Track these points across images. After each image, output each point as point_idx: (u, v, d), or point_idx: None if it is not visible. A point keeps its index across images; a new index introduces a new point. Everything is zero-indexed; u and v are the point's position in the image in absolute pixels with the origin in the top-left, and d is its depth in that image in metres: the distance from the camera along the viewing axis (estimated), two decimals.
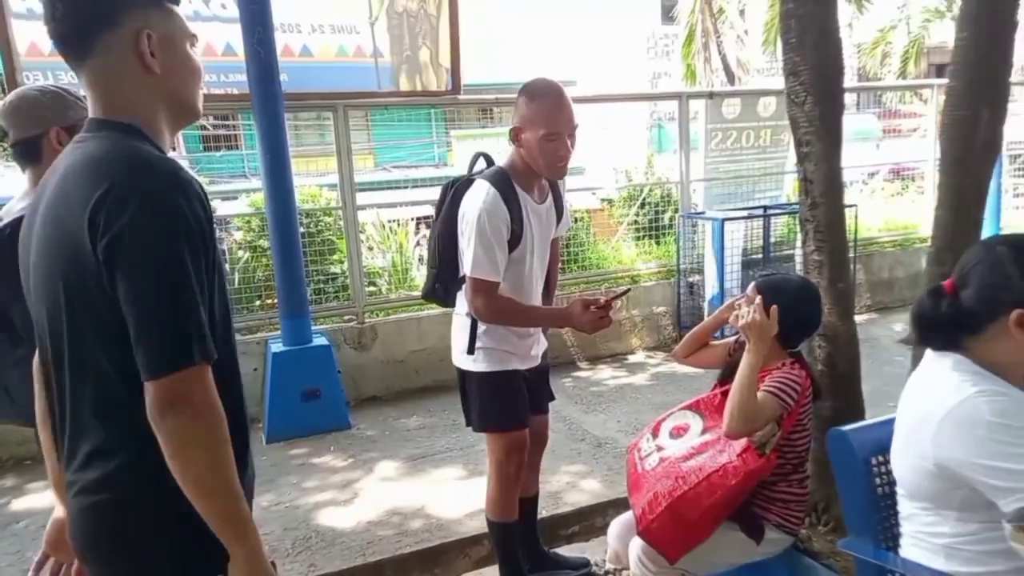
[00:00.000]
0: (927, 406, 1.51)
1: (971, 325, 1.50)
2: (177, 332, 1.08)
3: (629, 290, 2.72)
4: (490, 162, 2.44)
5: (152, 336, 1.07)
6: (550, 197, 2.42)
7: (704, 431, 2.14)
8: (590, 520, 3.20)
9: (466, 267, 2.24)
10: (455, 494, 3.37)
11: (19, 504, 3.50)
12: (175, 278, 1.08)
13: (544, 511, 3.07)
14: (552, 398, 2.67)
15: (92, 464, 1.16)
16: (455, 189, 2.37)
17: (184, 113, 1.28)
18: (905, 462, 1.57)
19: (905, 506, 1.62)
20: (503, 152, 2.39)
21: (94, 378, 1.15)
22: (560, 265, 5.40)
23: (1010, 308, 1.45)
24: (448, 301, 2.46)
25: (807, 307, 2.17)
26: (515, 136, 2.25)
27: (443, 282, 2.42)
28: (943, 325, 1.54)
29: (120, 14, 1.16)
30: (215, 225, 1.19)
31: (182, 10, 1.27)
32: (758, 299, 2.06)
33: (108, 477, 1.15)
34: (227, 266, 5.05)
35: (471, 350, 2.37)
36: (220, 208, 5.73)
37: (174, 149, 1.32)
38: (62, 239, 1.12)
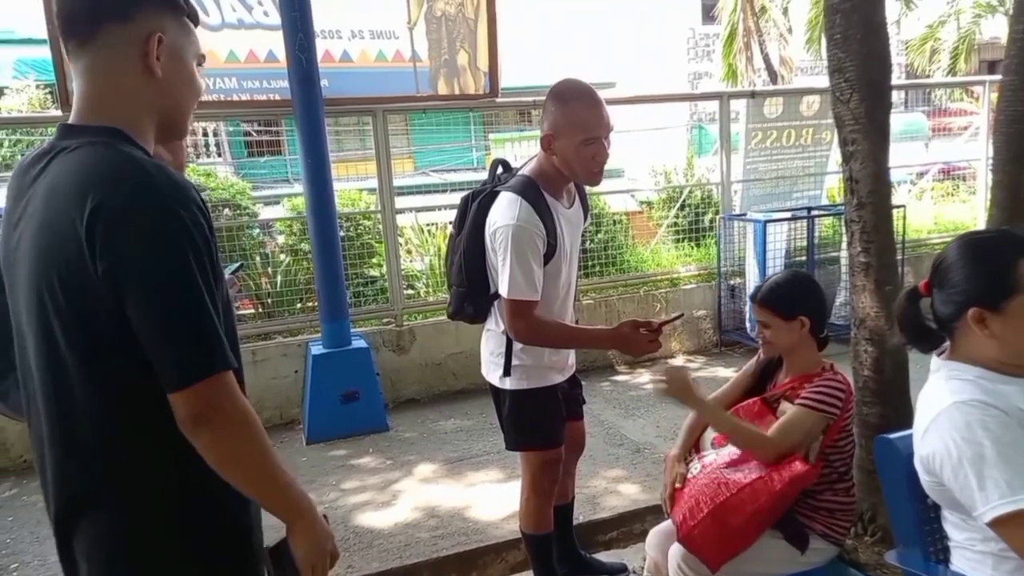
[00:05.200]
0: (919, 420, 1.53)
1: (945, 324, 1.53)
2: (196, 344, 1.06)
3: (682, 315, 2.63)
4: (508, 168, 2.34)
5: (169, 351, 1.05)
6: (576, 199, 2.31)
7: None
8: (628, 526, 3.16)
9: (502, 288, 2.11)
10: (492, 497, 3.37)
11: None
12: (186, 292, 1.05)
13: (582, 516, 3.05)
14: (584, 401, 2.64)
15: (98, 489, 1.14)
16: (479, 201, 2.23)
17: (172, 127, 1.24)
18: (921, 476, 1.56)
19: (946, 517, 1.58)
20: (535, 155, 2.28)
21: (95, 399, 1.11)
22: (597, 268, 5.43)
23: (968, 306, 1.46)
24: (478, 319, 2.34)
25: (816, 293, 2.17)
26: (547, 144, 2.11)
27: (474, 301, 2.28)
28: (923, 326, 1.57)
29: (134, 10, 1.13)
30: (216, 233, 1.16)
31: (198, 30, 1.24)
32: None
33: (119, 500, 1.14)
34: (269, 269, 5.13)
35: (508, 371, 2.26)
36: (263, 212, 5.83)
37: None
38: (54, 261, 1.07)
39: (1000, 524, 1.35)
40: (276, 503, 1.18)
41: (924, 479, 1.54)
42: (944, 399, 1.46)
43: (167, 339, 1.05)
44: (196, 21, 1.23)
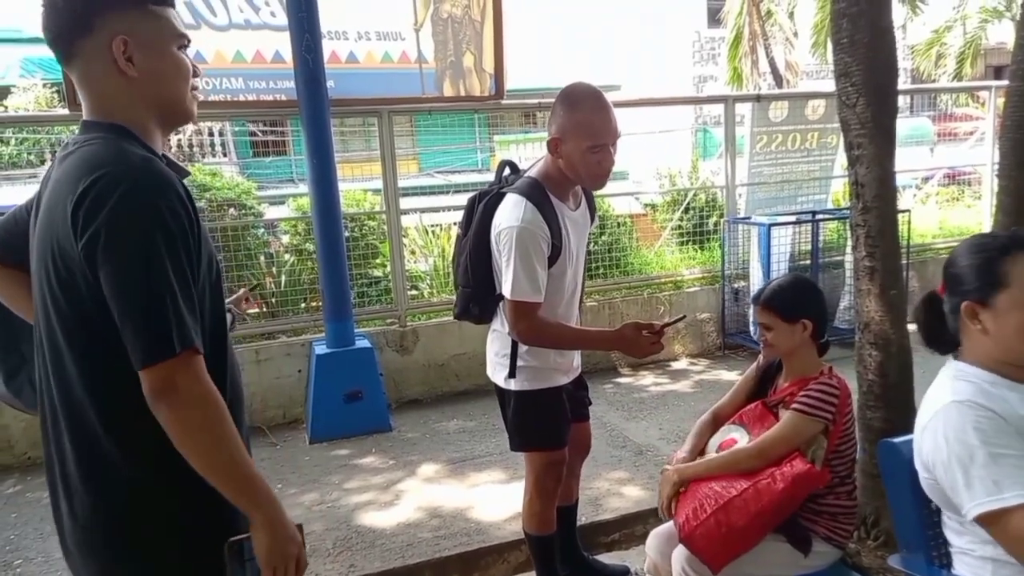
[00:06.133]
0: (920, 417, 1.56)
1: (952, 324, 1.56)
2: (156, 324, 1.09)
3: (684, 317, 2.65)
4: (515, 169, 2.34)
5: (134, 329, 1.10)
6: (583, 201, 2.31)
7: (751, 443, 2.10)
8: (631, 528, 3.16)
9: (506, 289, 2.11)
10: (495, 498, 3.37)
11: None
12: (151, 272, 1.10)
13: (584, 518, 3.05)
14: (589, 403, 2.64)
15: (93, 463, 1.19)
16: (485, 202, 2.23)
17: (173, 115, 1.28)
18: (920, 474, 1.58)
19: (947, 522, 1.59)
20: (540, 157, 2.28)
21: (84, 376, 1.17)
22: (601, 270, 5.43)
23: (962, 300, 1.50)
24: (483, 319, 2.35)
25: (819, 297, 2.19)
26: (553, 147, 2.10)
27: (479, 302, 2.29)
28: (939, 329, 1.59)
29: (95, 20, 1.17)
30: (203, 224, 1.20)
31: (172, 11, 1.25)
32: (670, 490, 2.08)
33: (113, 475, 1.18)
34: (274, 268, 5.15)
35: (512, 373, 2.27)
36: (268, 212, 5.84)
37: (170, 149, 1.31)
38: (50, 240, 1.15)
39: (985, 521, 1.38)
40: (235, 489, 1.17)
41: (922, 476, 1.56)
42: (944, 398, 1.48)
43: (131, 318, 1.10)
44: (167, 3, 1.24)
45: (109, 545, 1.21)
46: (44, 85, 10.77)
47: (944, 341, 1.59)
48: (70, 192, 1.11)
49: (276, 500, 1.21)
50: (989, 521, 1.37)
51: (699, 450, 2.23)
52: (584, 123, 2.06)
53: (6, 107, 10.46)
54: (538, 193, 2.12)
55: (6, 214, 1.47)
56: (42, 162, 7.45)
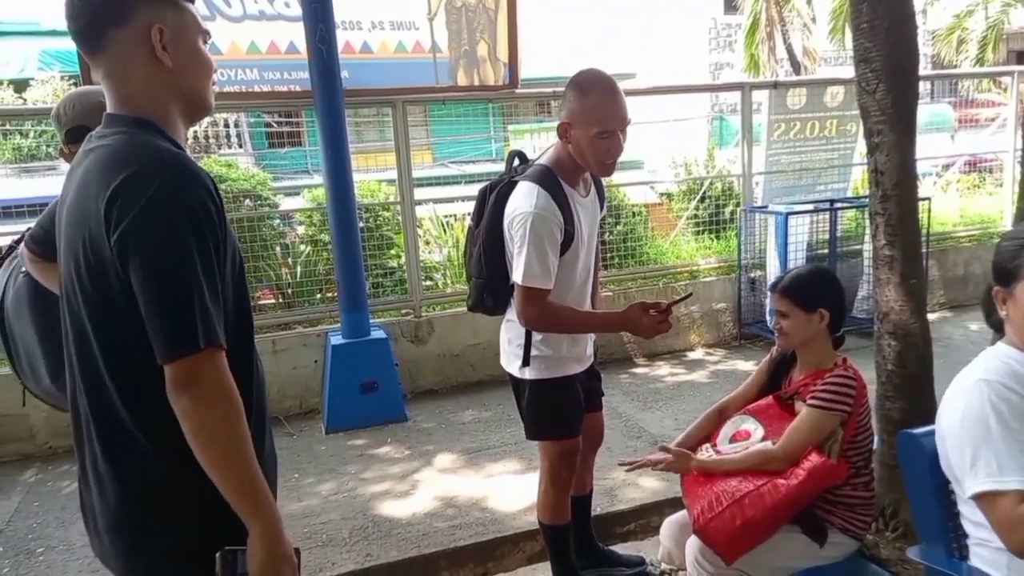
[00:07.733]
0: (949, 390, 1.58)
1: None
2: (181, 320, 1.11)
3: (691, 294, 2.65)
4: (524, 159, 2.35)
5: (160, 324, 1.11)
6: (592, 187, 2.31)
7: (765, 438, 2.09)
8: (646, 518, 3.16)
9: (516, 274, 2.12)
10: (510, 489, 3.38)
11: None
12: (179, 268, 1.11)
13: (599, 508, 3.05)
14: (602, 393, 2.63)
15: (120, 450, 1.21)
16: (497, 192, 2.25)
17: (196, 107, 1.30)
18: (939, 447, 1.59)
19: (964, 514, 1.58)
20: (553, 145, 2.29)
21: (110, 366, 1.19)
22: (616, 260, 5.41)
23: (993, 288, 1.55)
24: (497, 310, 2.35)
25: (838, 289, 2.16)
26: (563, 132, 2.12)
27: (493, 292, 2.30)
28: (996, 314, 1.62)
29: (131, 11, 1.19)
30: (227, 218, 1.21)
31: (195, 7, 1.28)
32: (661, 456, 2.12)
33: (139, 462, 1.20)
34: (290, 259, 5.17)
35: (527, 361, 2.27)
36: (284, 203, 5.86)
37: (187, 142, 1.31)
38: (82, 234, 1.17)
39: (980, 501, 1.41)
40: (238, 491, 1.16)
41: (940, 450, 1.57)
42: (974, 374, 1.51)
43: (158, 312, 1.12)
44: None
45: (137, 528, 1.22)
46: (62, 78, 10.84)
47: (1000, 326, 1.63)
48: (102, 188, 1.13)
49: (278, 514, 1.20)
50: (984, 501, 1.41)
51: (693, 444, 2.21)
52: (593, 109, 2.06)
53: (25, 100, 10.56)
54: (550, 180, 2.12)
55: (44, 211, 1.47)
56: (60, 154, 7.51)
